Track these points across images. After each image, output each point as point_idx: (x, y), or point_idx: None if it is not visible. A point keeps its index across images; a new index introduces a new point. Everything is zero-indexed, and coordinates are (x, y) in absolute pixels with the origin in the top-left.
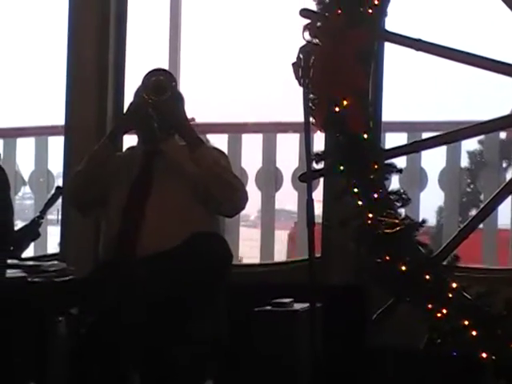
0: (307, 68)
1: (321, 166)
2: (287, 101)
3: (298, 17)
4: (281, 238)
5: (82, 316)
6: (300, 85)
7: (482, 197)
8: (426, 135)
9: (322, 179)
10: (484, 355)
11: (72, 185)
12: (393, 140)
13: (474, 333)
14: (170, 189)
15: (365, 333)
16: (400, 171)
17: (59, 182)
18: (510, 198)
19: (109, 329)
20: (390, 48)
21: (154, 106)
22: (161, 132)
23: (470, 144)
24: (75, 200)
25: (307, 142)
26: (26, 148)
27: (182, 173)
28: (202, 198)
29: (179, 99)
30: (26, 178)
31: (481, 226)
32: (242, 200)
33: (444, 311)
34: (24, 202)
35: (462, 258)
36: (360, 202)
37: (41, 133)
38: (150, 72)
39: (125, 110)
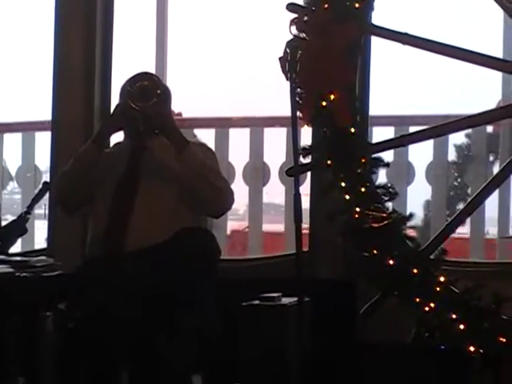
0: (294, 62)
1: (308, 160)
2: (274, 95)
3: (285, 11)
4: None
5: (70, 311)
6: (287, 79)
7: (469, 190)
8: (413, 129)
9: (309, 173)
10: (472, 348)
11: (58, 185)
12: (380, 134)
13: (461, 326)
14: (156, 185)
15: (353, 327)
16: (387, 165)
17: (46, 178)
18: (497, 191)
19: (97, 324)
20: (376, 42)
21: (140, 112)
22: (147, 131)
23: (458, 138)
24: (61, 200)
25: (294, 137)
26: (13, 143)
27: (169, 170)
28: (187, 197)
29: (166, 98)
30: (13, 174)
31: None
32: (227, 202)
33: (432, 305)
34: (13, 197)
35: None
36: (347, 196)
37: (28, 128)
38: (134, 76)
39: (112, 107)
